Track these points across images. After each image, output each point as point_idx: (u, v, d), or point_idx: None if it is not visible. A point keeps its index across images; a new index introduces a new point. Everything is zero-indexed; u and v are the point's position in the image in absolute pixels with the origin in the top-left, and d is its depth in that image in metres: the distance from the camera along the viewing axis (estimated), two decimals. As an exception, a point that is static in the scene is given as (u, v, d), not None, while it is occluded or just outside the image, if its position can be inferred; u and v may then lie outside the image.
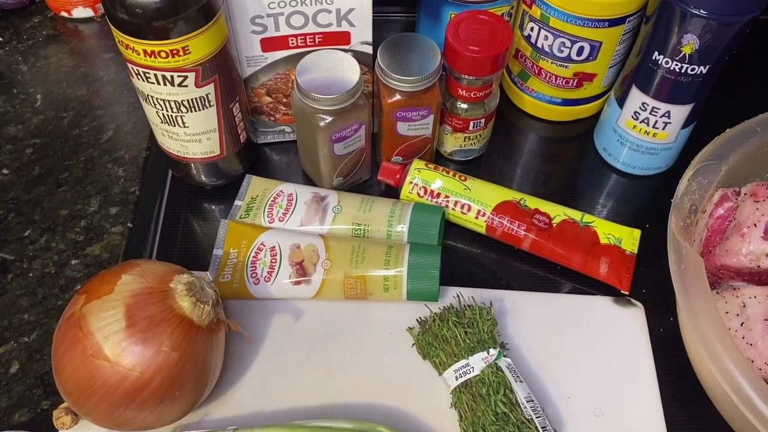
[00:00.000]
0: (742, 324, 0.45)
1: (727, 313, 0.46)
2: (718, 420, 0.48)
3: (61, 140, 0.65)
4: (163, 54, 0.47)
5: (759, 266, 0.46)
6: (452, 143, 0.61)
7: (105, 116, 0.67)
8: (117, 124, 0.66)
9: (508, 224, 0.56)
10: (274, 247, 0.53)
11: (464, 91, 0.56)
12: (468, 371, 0.47)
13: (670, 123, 0.56)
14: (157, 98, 0.51)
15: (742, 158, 0.49)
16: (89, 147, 0.65)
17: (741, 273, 0.48)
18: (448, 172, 0.58)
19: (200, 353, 0.43)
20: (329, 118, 0.52)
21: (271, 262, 0.52)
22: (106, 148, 0.65)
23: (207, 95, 0.51)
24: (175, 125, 0.53)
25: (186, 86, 0.49)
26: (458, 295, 0.52)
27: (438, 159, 0.63)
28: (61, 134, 0.65)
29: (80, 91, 0.69)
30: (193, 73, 0.49)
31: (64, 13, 0.73)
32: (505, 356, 0.48)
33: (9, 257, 0.57)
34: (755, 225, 0.46)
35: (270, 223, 0.56)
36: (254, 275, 0.52)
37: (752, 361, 0.44)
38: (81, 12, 0.73)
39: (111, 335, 0.41)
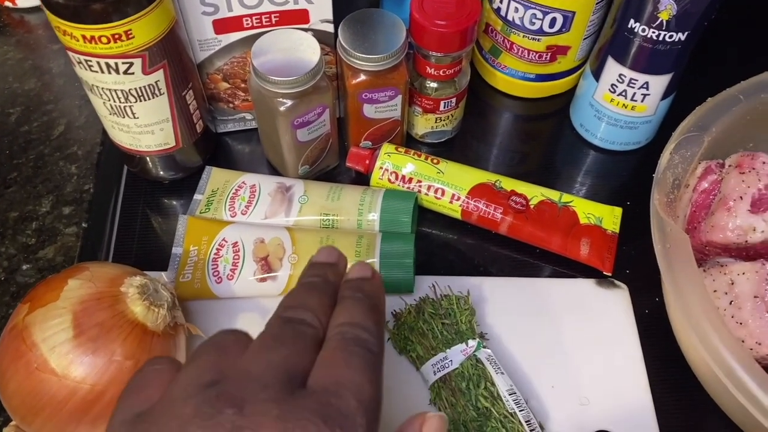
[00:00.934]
0: (731, 302, 0.43)
1: (715, 291, 0.44)
2: (709, 403, 0.46)
3: (8, 138, 0.61)
4: (104, 39, 0.43)
5: (747, 241, 0.44)
6: (423, 125, 0.58)
7: (55, 111, 0.63)
8: (69, 119, 0.63)
9: (484, 207, 0.53)
10: (236, 242, 0.50)
11: (433, 69, 0.53)
12: (447, 365, 0.45)
13: (648, 95, 0.54)
14: (102, 88, 0.47)
15: (725, 128, 0.47)
16: (39, 144, 0.61)
17: (728, 249, 0.45)
18: (419, 156, 0.55)
19: (157, 361, 0.40)
20: (289, 102, 0.49)
21: (233, 258, 0.49)
22: (58, 144, 0.61)
23: (156, 83, 0.47)
24: (124, 116, 0.49)
25: (132, 74, 0.46)
26: (434, 285, 0.49)
27: (409, 142, 0.60)
28: (9, 131, 0.61)
29: (28, 85, 0.65)
30: (139, 60, 0.45)
31: (8, 3, 0.69)
32: (484, 347, 0.45)
33: (-45, 265, 0.53)
34: (741, 198, 0.44)
35: (232, 217, 0.52)
36: (216, 273, 0.49)
37: (743, 341, 0.42)
38: (26, 1, 0.69)
39: (57, 346, 0.37)
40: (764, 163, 0.45)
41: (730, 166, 0.46)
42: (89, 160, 0.60)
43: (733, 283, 0.44)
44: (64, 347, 0.37)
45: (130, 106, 0.48)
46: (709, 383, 0.44)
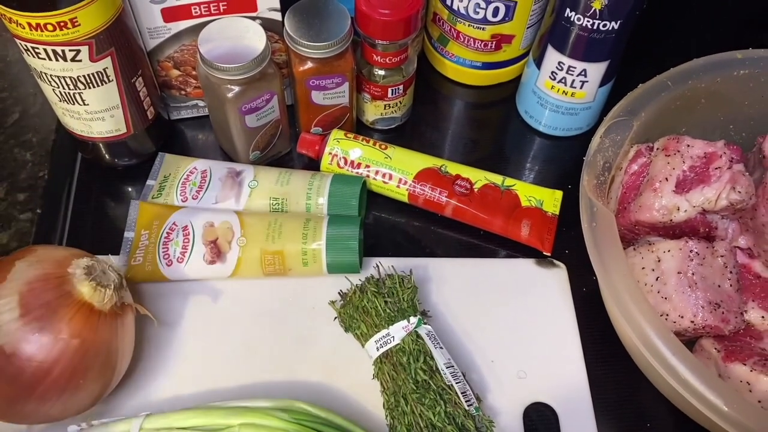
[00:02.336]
0: (657, 278, 0.46)
1: (643, 268, 0.47)
2: (639, 375, 0.48)
3: (-38, 125, 0.61)
4: (50, 27, 0.44)
5: (671, 220, 0.46)
6: (373, 112, 0.60)
7: (10, 99, 0.63)
8: (23, 107, 0.63)
9: (430, 191, 0.55)
10: (186, 226, 0.51)
11: (379, 57, 0.55)
12: (388, 341, 0.46)
13: (587, 81, 0.56)
14: (51, 75, 0.48)
15: (655, 113, 0.49)
16: (-7, 131, 0.61)
17: (655, 228, 0.48)
18: (368, 141, 0.56)
19: (104, 339, 0.41)
20: (237, 89, 0.50)
21: (183, 242, 0.51)
22: (12, 132, 0.61)
23: (104, 70, 0.48)
24: (74, 103, 0.50)
25: (80, 61, 0.47)
26: (378, 265, 0.51)
27: (360, 129, 0.62)
28: (-38, 119, 0.62)
29: (-18, 73, 0.65)
30: (86, 47, 0.46)
31: (-39, -9, 0.69)
32: (425, 323, 0.47)
33: None
34: (666, 179, 0.46)
35: (183, 201, 0.54)
36: (167, 256, 0.50)
37: (667, 315, 0.45)
38: (-20, -11, 0.69)
39: (3, 325, 0.39)
40: (689, 146, 0.47)
41: (657, 149, 0.49)
42: (44, 147, 0.60)
43: (659, 261, 0.46)
44: (11, 326, 0.39)
45: (79, 93, 0.49)
46: (636, 356, 0.47)
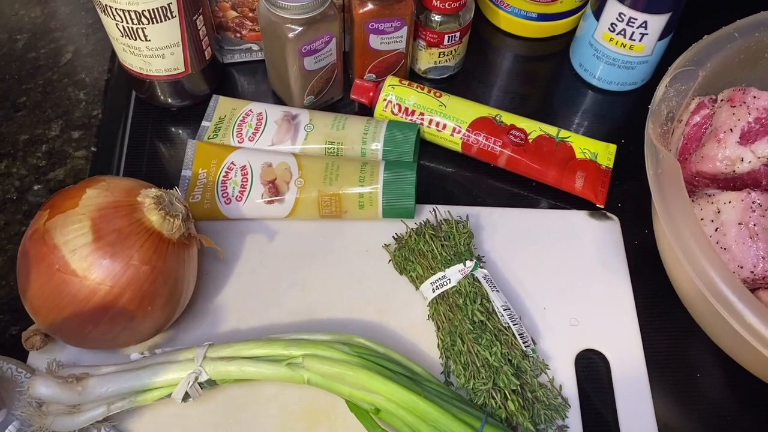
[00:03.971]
0: (716, 229, 0.46)
1: (702, 219, 0.46)
2: (692, 326, 0.49)
3: (16, 63, 0.62)
4: (119, -43, 0.44)
5: (734, 171, 0.46)
6: (426, 60, 0.59)
7: (63, 38, 0.64)
8: (76, 47, 0.63)
9: (484, 141, 0.55)
10: (244, 165, 0.51)
11: (438, 2, 0.54)
12: (445, 283, 0.47)
13: (647, 34, 0.55)
14: (115, 9, 0.48)
15: (720, 65, 0.48)
16: (47, 70, 0.62)
17: (716, 179, 0.47)
18: (422, 89, 0.56)
19: (172, 268, 0.42)
20: (298, 29, 0.50)
21: (242, 181, 0.51)
22: (66, 71, 0.62)
23: (169, 5, 0.48)
24: (136, 39, 0.50)
25: (146, -6, 0.47)
26: (434, 210, 0.51)
27: (412, 78, 0.62)
28: (17, 57, 0.62)
29: (34, 13, 0.65)
30: (153, -20, 0.46)
31: (12, -70, 0.69)
32: (481, 267, 0.48)
33: (-33, 183, 0.55)
34: (731, 130, 0.46)
35: (239, 143, 0.54)
36: (225, 195, 0.51)
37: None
38: (31, -71, 0.69)
39: (77, 249, 0.39)
40: (755, 97, 0.46)
41: (722, 100, 0.48)
42: (97, 87, 0.61)
43: (719, 212, 0.46)
44: (84, 250, 0.39)
45: (142, 28, 0.49)
46: (694, 305, 0.47)
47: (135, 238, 0.40)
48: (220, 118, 0.55)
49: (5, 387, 0.43)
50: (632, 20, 0.54)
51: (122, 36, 0.50)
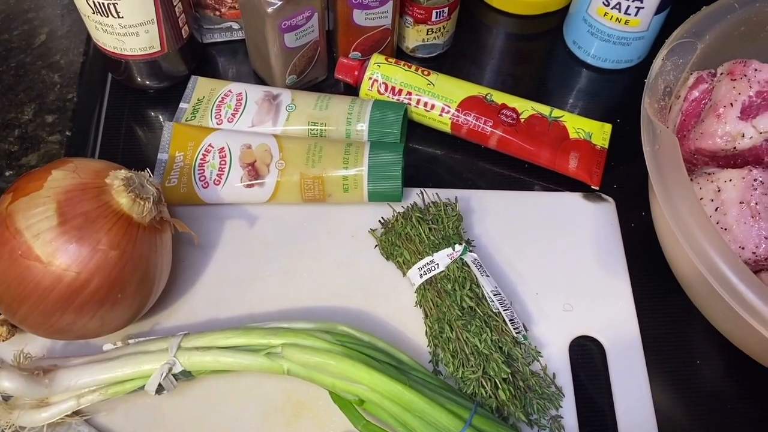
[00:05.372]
0: (716, 209, 0.44)
1: (701, 199, 0.44)
2: (691, 311, 0.47)
3: (-13, 45, 0.59)
4: (85, -73, 0.42)
5: (735, 147, 0.44)
6: (414, 37, 0.57)
7: (36, 20, 0.61)
8: (50, 28, 0.61)
9: (474, 121, 0.53)
10: (222, 148, 0.49)
11: (425, -24, 0.52)
12: (433, 268, 0.45)
13: (642, 8, 0.53)
14: (84, -18, 0.46)
15: (719, 37, 0.46)
16: (20, 52, 0.59)
17: (716, 157, 0.45)
18: (410, 67, 0.54)
19: (142, 253, 0.40)
20: (278, 3, 0.48)
21: (220, 164, 0.49)
22: (40, 53, 0.59)
23: (140, -22, 0.46)
24: (108, 15, 0.48)
25: (116, -34, 0.44)
26: (422, 192, 0.49)
27: (399, 57, 0.59)
28: (-12, 39, 0.60)
29: (7, -7, 0.63)
30: (123, -49, 0.44)
31: None
32: (471, 252, 0.45)
33: (-65, 170, 0.53)
34: (731, 104, 0.44)
35: (218, 124, 0.52)
36: (203, 178, 0.49)
37: (726, 246, 0.43)
38: None
39: (41, 233, 0.37)
40: (756, 70, 0.44)
41: (722, 74, 0.46)
42: (72, 70, 0.58)
43: (719, 190, 0.44)
44: (49, 234, 0.37)
45: (114, 4, 0.47)
46: (693, 287, 0.45)
47: (103, 221, 0.38)
48: (198, 100, 0.53)
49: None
50: (627, -7, 0.52)
51: (93, 12, 0.48)
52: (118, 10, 0.47)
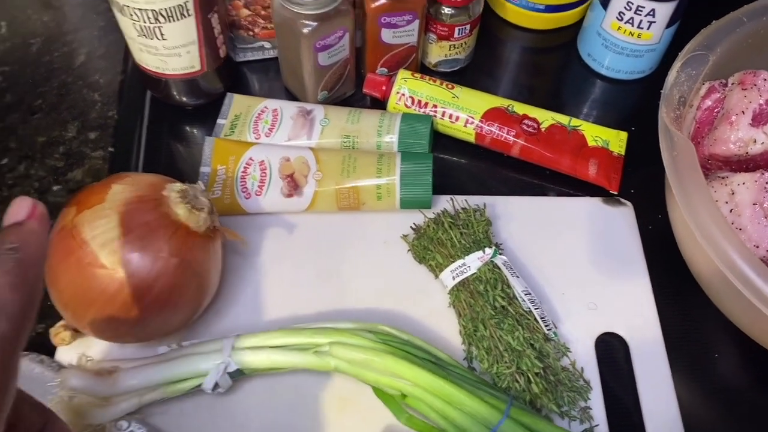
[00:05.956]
0: (731, 210, 0.46)
1: (716, 201, 0.47)
2: (707, 308, 0.49)
3: (31, 67, 0.62)
4: (137, -43, 0.45)
5: (747, 152, 0.47)
6: (437, 53, 0.60)
7: (75, 41, 0.65)
8: (89, 49, 0.64)
9: (497, 131, 0.56)
10: (263, 161, 0.52)
11: (449, -5, 0.55)
12: (465, 270, 0.47)
13: (654, 22, 0.56)
14: (133, 8, 0.49)
15: (729, 49, 0.49)
16: (62, 73, 0.62)
17: (729, 162, 0.48)
18: (434, 81, 0.57)
19: (199, 260, 0.43)
20: (313, 24, 0.51)
21: (261, 176, 0.52)
22: (80, 73, 0.62)
23: (185, 3, 0.49)
24: (153, 38, 0.51)
25: (163, -7, 0.47)
26: (452, 199, 0.52)
27: (422, 71, 0.62)
28: (31, 61, 0.63)
29: (46, 17, 0.66)
30: (171, -21, 0.47)
31: (21, -63, 0.69)
32: (500, 254, 0.48)
33: (-13, 186, 0.55)
34: (743, 112, 0.47)
35: (256, 138, 0.55)
36: (245, 189, 0.52)
37: (741, 245, 0.45)
38: (40, -66, 0.69)
39: (107, 243, 0.40)
40: (765, 80, 0.47)
41: (733, 84, 0.49)
42: (111, 88, 0.61)
43: (733, 193, 0.47)
44: (114, 244, 0.40)
45: (159, 27, 0.50)
46: (711, 285, 0.47)
47: (163, 231, 0.41)
48: (235, 116, 0.56)
49: (37, 386, 0.43)
50: (640, 8, 0.55)
51: (139, 35, 0.51)
52: (163, 33, 0.50)
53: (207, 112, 0.59)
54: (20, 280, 0.26)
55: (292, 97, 0.60)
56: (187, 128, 0.59)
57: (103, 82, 0.62)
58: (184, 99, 0.58)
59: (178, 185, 0.43)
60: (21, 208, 0.28)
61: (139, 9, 0.48)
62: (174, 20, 0.50)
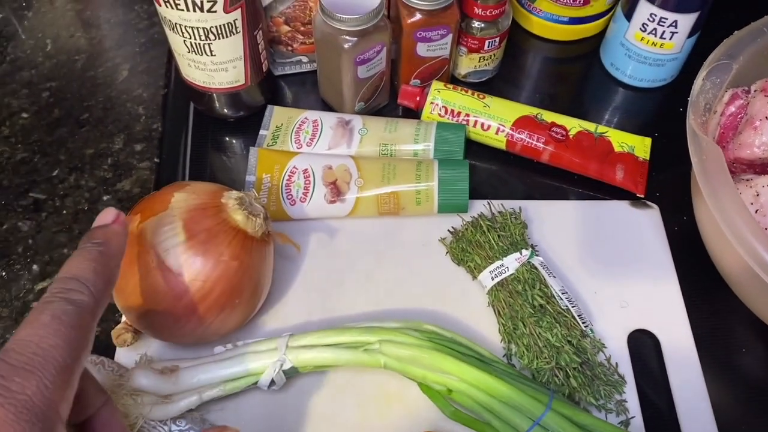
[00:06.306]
0: (756, 211, 0.49)
1: (741, 203, 0.50)
2: (734, 305, 0.52)
3: (77, 82, 0.65)
4: (192, -21, 0.47)
5: (771, 156, 0.49)
6: (467, 65, 0.63)
7: (117, 57, 0.67)
8: (131, 65, 0.67)
9: (527, 138, 0.58)
10: (306, 169, 0.55)
11: (480, 10, 0.58)
12: (503, 271, 0.50)
13: (677, 32, 0.58)
14: (185, 26, 0.51)
15: (751, 58, 0.52)
16: (106, 87, 0.65)
17: (754, 165, 0.51)
18: (466, 92, 0.60)
19: (256, 263, 0.45)
20: (353, 40, 0.54)
21: (305, 183, 0.54)
22: (123, 88, 0.65)
23: (234, 21, 0.52)
24: (202, 54, 0.54)
25: (215, 12, 0.50)
26: (488, 203, 0.54)
27: (452, 82, 0.65)
28: (76, 76, 0.66)
29: (89, 34, 0.69)
30: (222, -1, 0.50)
31: (63, -42, 0.72)
32: (537, 255, 0.51)
33: (41, 197, 0.58)
34: (767, 118, 0.49)
35: (298, 148, 0.57)
36: (290, 197, 0.54)
37: (767, 244, 0.48)
38: (81, -45, 0.72)
39: (172, 248, 0.42)
40: (787, 87, 0.50)
41: (755, 90, 0.51)
42: (155, 101, 0.64)
43: (758, 195, 0.49)
44: (179, 249, 0.42)
45: (209, 44, 0.53)
46: (739, 284, 0.50)
47: (223, 236, 0.44)
48: (277, 127, 0.59)
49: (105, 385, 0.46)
50: (663, 20, 0.58)
51: (189, 51, 0.54)
52: (212, 49, 0.53)
53: (247, 124, 0.62)
54: (102, 268, 0.32)
55: (328, 108, 0.63)
56: (230, 139, 0.62)
57: (146, 96, 0.65)
58: (226, 111, 0.61)
59: (236, 193, 0.46)
60: (108, 214, 0.35)
61: (191, 27, 0.51)
62: (223, 37, 0.52)
